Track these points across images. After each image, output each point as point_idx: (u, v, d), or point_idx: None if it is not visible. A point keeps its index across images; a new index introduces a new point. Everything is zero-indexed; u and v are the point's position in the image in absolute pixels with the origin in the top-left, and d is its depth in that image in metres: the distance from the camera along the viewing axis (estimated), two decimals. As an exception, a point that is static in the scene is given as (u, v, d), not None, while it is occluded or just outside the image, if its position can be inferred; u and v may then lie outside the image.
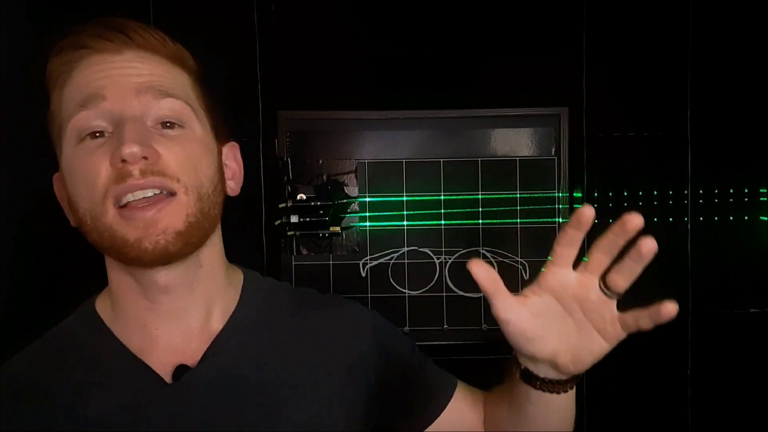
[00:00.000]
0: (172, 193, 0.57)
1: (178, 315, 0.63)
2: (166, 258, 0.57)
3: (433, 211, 1.50)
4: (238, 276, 0.71)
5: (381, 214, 1.50)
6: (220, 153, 0.66)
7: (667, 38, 1.49)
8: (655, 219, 1.51)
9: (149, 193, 0.56)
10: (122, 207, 0.55)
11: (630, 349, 1.61)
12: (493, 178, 1.50)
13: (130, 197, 0.55)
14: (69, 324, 0.67)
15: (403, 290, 1.50)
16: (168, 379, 0.60)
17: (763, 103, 1.49)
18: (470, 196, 1.50)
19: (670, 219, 1.51)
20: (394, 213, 1.50)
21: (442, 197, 1.50)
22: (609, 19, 1.49)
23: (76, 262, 1.43)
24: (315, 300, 0.75)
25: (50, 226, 1.43)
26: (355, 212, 1.51)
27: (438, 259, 1.50)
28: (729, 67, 1.49)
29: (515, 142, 1.51)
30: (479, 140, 1.51)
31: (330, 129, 1.50)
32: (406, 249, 1.50)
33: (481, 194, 1.50)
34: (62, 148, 0.60)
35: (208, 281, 0.64)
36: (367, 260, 1.50)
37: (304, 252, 1.50)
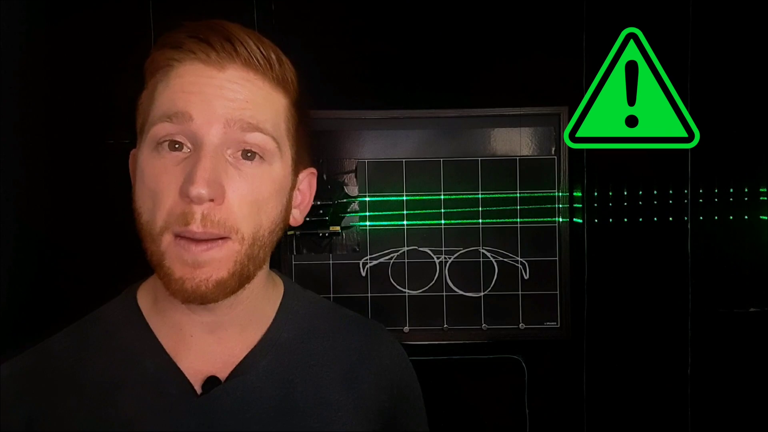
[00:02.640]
0: (225, 239, 0.56)
1: (213, 327, 0.63)
2: (201, 301, 0.57)
3: (433, 211, 1.50)
4: (278, 290, 0.70)
5: (381, 213, 1.50)
6: (294, 185, 0.65)
7: (667, 38, 1.49)
8: (655, 218, 1.51)
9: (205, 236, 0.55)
10: (178, 236, 0.55)
11: (630, 349, 1.63)
12: (493, 178, 1.50)
13: (187, 234, 0.55)
14: (109, 311, 0.66)
15: (403, 290, 1.50)
16: (198, 387, 0.60)
17: (763, 103, 1.49)
18: (470, 196, 1.50)
19: (670, 218, 1.51)
20: (394, 212, 1.50)
21: (442, 197, 1.50)
22: (609, 18, 1.49)
23: (76, 262, 1.43)
24: (355, 327, 0.73)
25: (50, 226, 1.44)
26: (355, 212, 1.51)
27: (438, 258, 1.50)
28: (729, 67, 1.49)
29: (515, 142, 1.51)
30: (479, 140, 1.51)
31: (330, 128, 1.50)
32: (406, 248, 1.50)
33: (481, 194, 1.50)
34: (141, 142, 0.59)
35: (248, 301, 0.64)
36: (367, 260, 1.50)
37: (304, 251, 1.50)
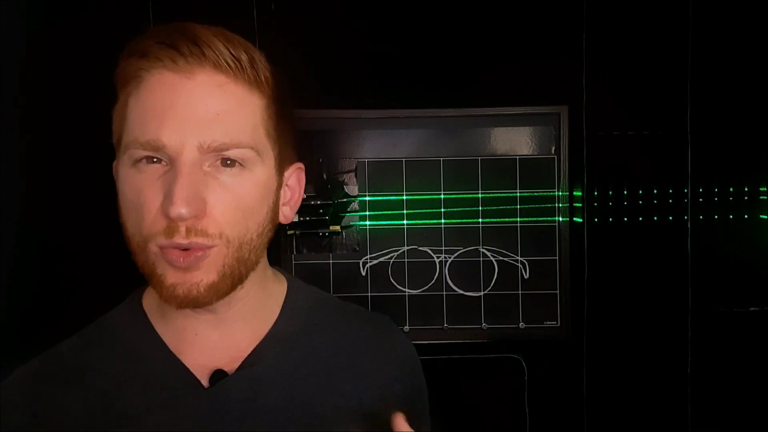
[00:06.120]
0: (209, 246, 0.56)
1: (217, 324, 0.63)
2: (195, 305, 0.57)
3: (433, 210, 1.50)
4: (282, 286, 0.70)
5: (381, 213, 1.50)
6: (280, 184, 0.64)
7: (667, 38, 1.49)
8: (655, 218, 1.51)
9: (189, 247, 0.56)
10: (164, 247, 0.56)
11: (630, 348, 1.63)
12: (493, 177, 1.50)
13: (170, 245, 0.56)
14: (116, 314, 0.67)
15: (403, 289, 1.50)
16: (204, 381, 0.61)
17: (763, 103, 1.49)
18: (470, 195, 1.50)
19: (670, 218, 1.51)
20: (394, 212, 1.50)
21: (442, 196, 1.50)
22: (609, 18, 1.49)
23: (76, 262, 1.43)
24: (361, 319, 0.74)
25: (50, 227, 1.44)
26: (355, 211, 1.51)
27: (438, 257, 1.50)
28: (729, 67, 1.49)
29: (515, 141, 1.51)
30: (479, 139, 1.51)
31: (330, 128, 1.50)
32: (406, 248, 1.51)
33: (481, 193, 1.50)
34: (119, 156, 0.59)
35: (247, 298, 0.64)
36: (367, 259, 1.51)
37: (305, 251, 1.50)
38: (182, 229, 0.54)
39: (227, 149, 0.56)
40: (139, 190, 0.56)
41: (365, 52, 1.48)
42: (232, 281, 0.59)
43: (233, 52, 0.56)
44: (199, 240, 0.55)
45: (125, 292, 0.69)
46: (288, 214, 0.66)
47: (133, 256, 0.58)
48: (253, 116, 0.59)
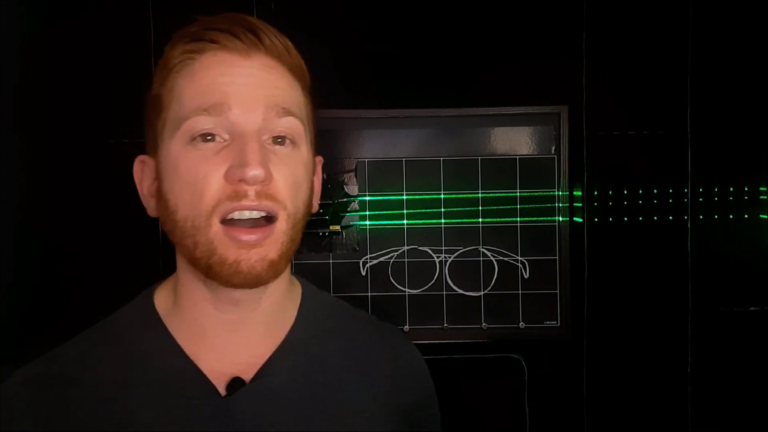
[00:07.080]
0: (273, 220, 0.57)
1: (239, 326, 0.62)
2: (255, 283, 0.57)
3: (433, 210, 1.50)
4: (297, 290, 0.70)
5: (381, 212, 1.50)
6: (314, 170, 0.66)
7: (667, 37, 1.49)
8: (655, 218, 1.51)
9: (256, 214, 0.56)
10: (226, 224, 0.55)
11: (630, 347, 1.63)
12: (493, 177, 1.50)
13: (237, 215, 0.55)
14: (124, 315, 0.65)
15: (403, 289, 1.50)
16: (221, 389, 0.59)
17: (763, 102, 1.49)
18: (470, 195, 1.50)
19: (670, 217, 1.51)
20: (394, 212, 1.50)
21: (442, 196, 1.50)
22: (609, 18, 1.49)
23: (76, 262, 1.43)
24: (373, 328, 0.74)
25: (50, 226, 1.44)
26: (355, 211, 1.51)
27: (438, 257, 1.50)
28: (729, 67, 1.49)
29: (515, 141, 1.51)
30: (479, 139, 1.51)
31: (330, 128, 1.50)
32: (406, 248, 1.51)
33: (481, 193, 1.50)
34: (164, 140, 0.58)
35: (273, 297, 0.64)
36: (367, 259, 1.51)
37: (304, 251, 1.50)
38: (251, 192, 0.55)
39: (286, 115, 0.58)
40: (197, 165, 0.56)
41: (365, 52, 1.48)
42: (285, 261, 0.60)
43: (282, 41, 0.59)
44: (269, 204, 0.56)
45: (125, 292, 0.68)
46: (315, 204, 0.67)
47: (184, 240, 0.57)
48: (299, 97, 0.62)
